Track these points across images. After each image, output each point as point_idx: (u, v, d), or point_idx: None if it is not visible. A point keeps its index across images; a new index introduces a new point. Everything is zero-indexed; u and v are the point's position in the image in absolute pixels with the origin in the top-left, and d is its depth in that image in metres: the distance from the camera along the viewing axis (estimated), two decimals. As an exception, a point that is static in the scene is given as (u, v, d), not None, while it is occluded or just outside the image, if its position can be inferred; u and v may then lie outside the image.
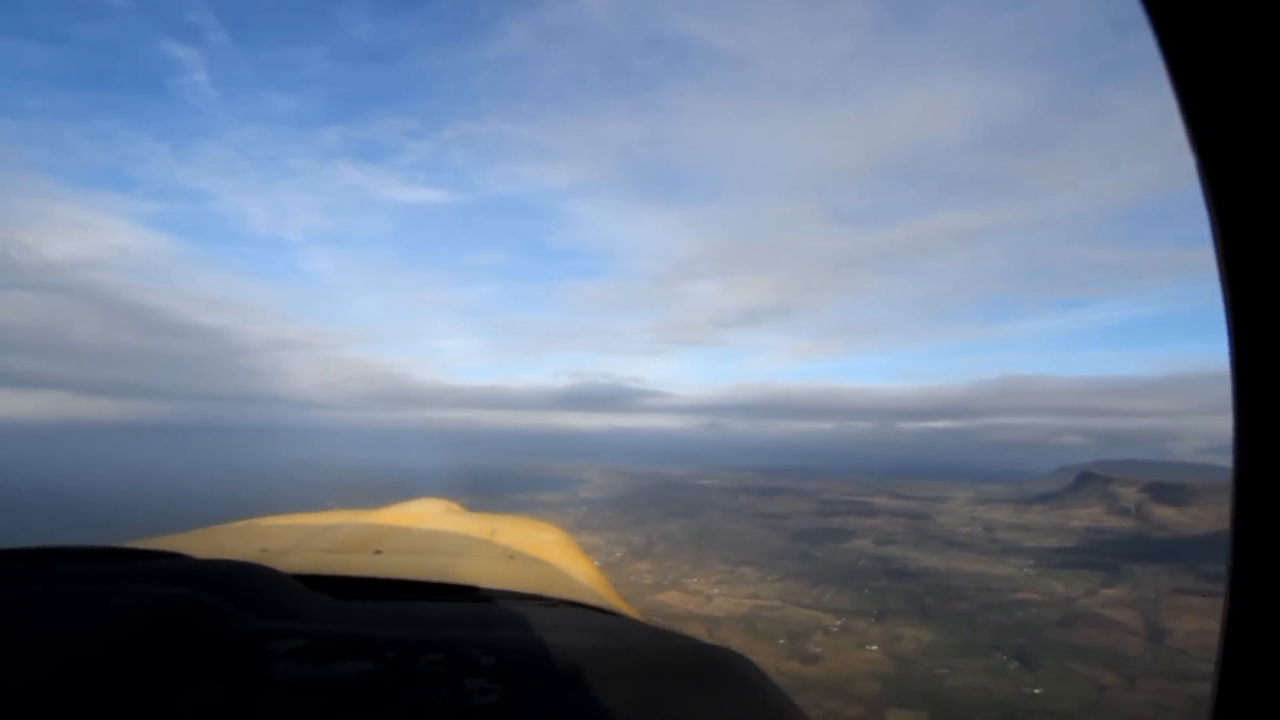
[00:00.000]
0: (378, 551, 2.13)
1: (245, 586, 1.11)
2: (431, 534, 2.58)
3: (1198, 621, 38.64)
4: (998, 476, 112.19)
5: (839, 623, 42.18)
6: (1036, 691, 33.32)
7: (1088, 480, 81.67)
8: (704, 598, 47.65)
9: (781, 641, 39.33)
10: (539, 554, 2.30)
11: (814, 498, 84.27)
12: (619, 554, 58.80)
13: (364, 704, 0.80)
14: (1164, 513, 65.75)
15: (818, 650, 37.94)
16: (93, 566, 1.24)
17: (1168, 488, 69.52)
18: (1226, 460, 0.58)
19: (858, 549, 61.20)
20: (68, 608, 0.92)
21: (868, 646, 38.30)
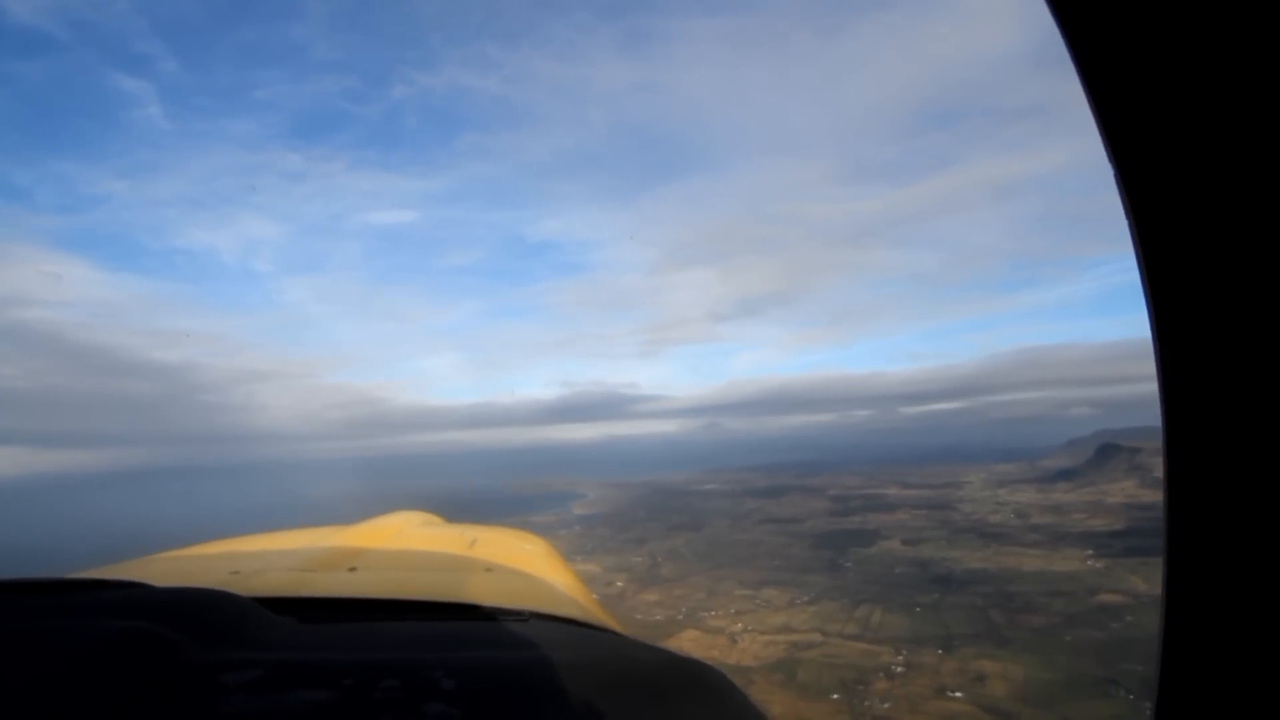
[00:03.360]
0: (352, 569, 2.09)
1: (204, 615, 1.08)
2: (408, 548, 2.56)
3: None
4: (1007, 455, 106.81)
5: (900, 658, 34.14)
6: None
7: (1111, 452, 76.82)
8: (727, 638, 39.44)
9: (836, 696, 30.98)
10: (519, 565, 2.28)
11: (823, 495, 78.94)
12: (620, 583, 50.82)
13: None
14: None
15: (886, 706, 29.81)
16: (46, 600, 1.19)
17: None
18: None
19: (889, 553, 54.20)
20: (11, 645, 0.89)
21: (948, 694, 30.23)
